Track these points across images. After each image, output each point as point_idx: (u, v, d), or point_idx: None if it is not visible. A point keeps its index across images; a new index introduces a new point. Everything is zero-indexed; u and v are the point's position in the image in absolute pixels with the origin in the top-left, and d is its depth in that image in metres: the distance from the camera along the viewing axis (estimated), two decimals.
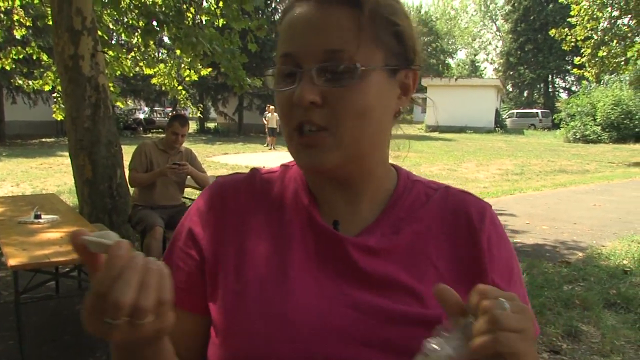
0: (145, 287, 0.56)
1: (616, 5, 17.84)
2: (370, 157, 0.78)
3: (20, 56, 8.76)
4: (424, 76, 40.48)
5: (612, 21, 18.45)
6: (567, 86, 51.59)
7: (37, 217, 3.85)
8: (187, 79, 10.14)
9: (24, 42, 10.98)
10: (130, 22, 8.37)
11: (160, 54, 12.55)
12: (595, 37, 18.10)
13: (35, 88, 9.40)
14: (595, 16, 17.65)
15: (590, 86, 28.51)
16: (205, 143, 23.38)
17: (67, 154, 6.32)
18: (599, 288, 4.84)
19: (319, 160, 0.72)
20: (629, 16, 17.87)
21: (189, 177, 4.93)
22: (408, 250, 0.77)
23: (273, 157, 16.80)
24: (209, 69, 9.68)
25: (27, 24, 9.20)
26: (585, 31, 17.87)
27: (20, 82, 9.62)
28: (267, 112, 21.45)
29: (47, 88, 9.25)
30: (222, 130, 31.58)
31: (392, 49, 0.73)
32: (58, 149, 18.83)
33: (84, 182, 6.08)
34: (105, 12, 8.02)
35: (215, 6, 8.00)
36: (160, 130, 27.60)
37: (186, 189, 5.27)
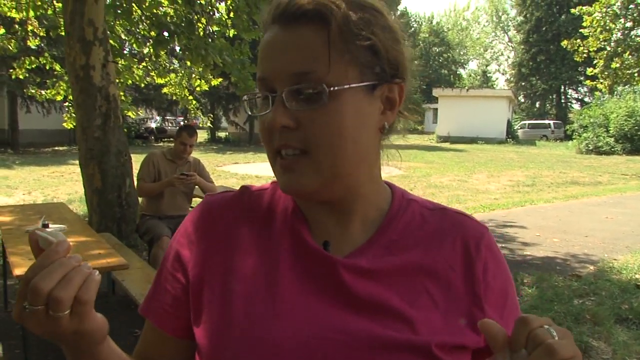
0: (66, 281, 0.60)
1: (629, 17, 17.74)
2: (355, 177, 0.75)
3: (34, 66, 8.87)
4: (435, 86, 40.54)
5: (626, 32, 18.32)
6: (579, 97, 51.35)
7: (45, 226, 3.85)
8: (198, 88, 10.21)
9: (37, 52, 11.12)
10: (142, 32, 8.45)
11: (172, 64, 12.65)
12: (608, 49, 18.00)
13: (48, 97, 9.50)
14: (608, 27, 17.56)
15: (604, 97, 28.29)
16: (216, 152, 23.48)
17: (78, 162, 6.37)
18: (611, 303, 4.76)
19: (298, 184, 0.71)
20: None
21: (196, 187, 4.94)
22: (401, 273, 0.75)
23: None
24: (220, 79, 9.74)
25: (41, 34, 9.33)
26: (598, 42, 17.78)
27: (33, 91, 9.73)
28: None
29: (59, 98, 9.35)
30: (233, 139, 31.75)
31: (368, 64, 0.70)
32: (70, 157, 18.97)
33: (93, 191, 6.12)
34: (118, 22, 8.11)
35: (226, 17, 8.06)
36: (171, 139, 27.74)
37: (194, 199, 5.27)
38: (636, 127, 25.91)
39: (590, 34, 17.88)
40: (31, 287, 0.59)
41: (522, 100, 50.51)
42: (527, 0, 46.84)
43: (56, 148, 23.89)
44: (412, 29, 51.70)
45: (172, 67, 11.02)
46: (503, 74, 64.32)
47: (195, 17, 7.89)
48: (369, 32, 0.69)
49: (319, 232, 0.78)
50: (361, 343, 0.69)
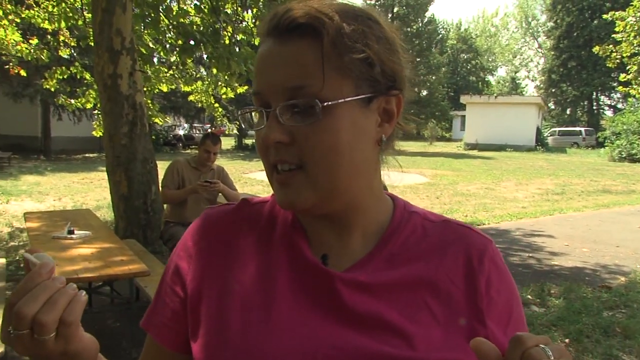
0: (50, 304, 0.60)
1: None
2: (353, 191, 0.73)
3: (65, 76, 9.07)
4: (463, 93, 40.22)
5: None
6: (612, 104, 50.25)
7: (70, 232, 3.93)
8: (224, 96, 10.30)
9: (69, 62, 11.39)
10: (169, 41, 8.58)
11: (199, 72, 12.80)
12: None
13: (77, 106, 9.71)
14: None
15: (637, 103, 27.63)
16: (243, 159, 23.65)
17: (106, 169, 6.49)
18: None
19: (294, 199, 0.70)
20: None
21: (220, 194, 4.97)
22: (401, 287, 0.72)
23: None
24: (246, 87, 9.81)
25: (72, 44, 9.56)
26: (632, 48, 17.37)
27: (63, 100, 9.97)
28: None
29: (88, 106, 9.55)
30: None
31: (363, 77, 0.69)
32: (100, 164, 19.33)
33: (119, 198, 6.21)
34: (146, 31, 8.25)
35: (252, 25, 8.13)
36: None
37: None
38: None
39: (624, 39, 17.48)
40: (15, 311, 0.59)
41: (552, 107, 49.71)
42: (557, 5, 46.20)
43: (86, 155, 24.40)
44: (440, 35, 51.33)
45: (198, 75, 11.16)
46: (533, 80, 63.58)
47: (223, 25, 7.98)
48: (363, 44, 0.68)
49: (318, 245, 0.77)
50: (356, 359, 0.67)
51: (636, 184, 15.96)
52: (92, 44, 6.49)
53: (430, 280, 0.73)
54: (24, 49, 8.99)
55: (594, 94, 47.91)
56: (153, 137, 25.98)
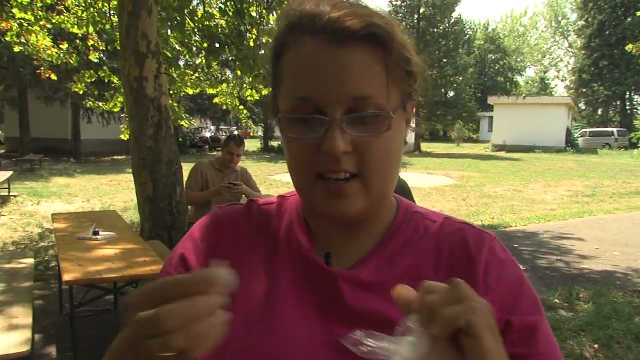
0: (201, 336, 0.49)
1: None
2: (389, 197, 0.77)
3: (93, 79, 9.24)
4: (491, 94, 39.71)
5: None
6: None
7: (95, 233, 3.99)
8: (250, 98, 10.36)
9: (97, 66, 11.60)
10: (195, 43, 8.66)
11: (224, 74, 12.90)
12: None
13: (105, 109, 9.88)
14: None
15: None
16: (268, 161, 23.77)
17: (131, 171, 6.59)
18: None
19: (347, 208, 0.70)
20: None
21: (243, 196, 4.99)
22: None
23: None
24: (270, 89, 9.84)
25: (101, 48, 9.74)
26: None
27: (91, 103, 10.16)
28: None
29: (116, 109, 9.70)
30: None
31: (405, 85, 0.71)
32: (127, 166, 19.64)
33: (145, 199, 6.28)
34: (172, 35, 8.35)
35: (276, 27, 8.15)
36: None
37: None
38: None
39: None
40: (155, 317, 0.47)
41: (583, 107, 48.70)
42: (589, 3, 45.25)
43: (115, 157, 24.84)
44: (467, 36, 50.77)
45: (224, 77, 11.24)
46: (562, 80, 62.35)
47: (248, 27, 8.02)
48: (410, 54, 0.71)
49: (324, 243, 0.77)
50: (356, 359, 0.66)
51: None
52: (119, 47, 6.58)
53: (429, 276, 0.73)
54: (54, 53, 9.18)
55: (627, 93, 46.75)
56: (180, 139, 26.32)
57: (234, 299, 0.73)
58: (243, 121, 11.80)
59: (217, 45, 7.60)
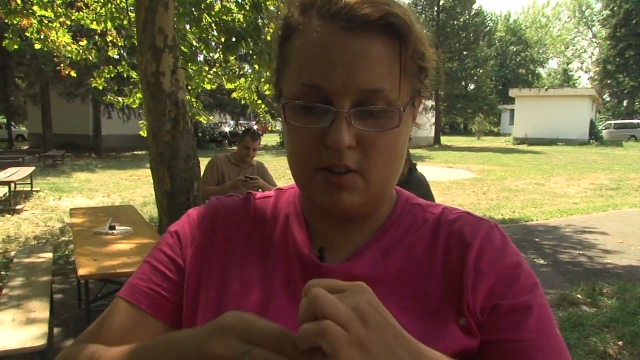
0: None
1: None
2: (390, 191, 0.75)
3: (112, 75, 9.31)
4: (512, 87, 39.18)
5: None
6: None
7: (112, 228, 4.00)
8: (267, 92, 10.34)
9: (117, 61, 11.68)
10: (212, 38, 8.66)
11: (242, 69, 12.90)
12: None
13: (125, 104, 9.97)
14: None
15: None
16: None
17: (149, 166, 6.63)
18: None
19: (346, 202, 0.67)
20: None
21: (259, 190, 4.97)
22: (396, 278, 0.70)
23: None
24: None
25: (120, 44, 9.80)
26: None
27: (111, 98, 10.26)
28: None
29: (135, 105, 9.76)
30: None
31: (416, 81, 0.68)
32: (147, 161, 19.69)
33: (163, 194, 6.29)
34: (189, 30, 8.36)
35: None
36: None
37: None
38: None
39: None
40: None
41: (608, 99, 47.79)
42: None
43: (135, 152, 25.09)
44: (488, 28, 50.06)
45: (241, 72, 11.23)
46: (586, 71, 61.34)
47: (265, 21, 7.99)
48: (425, 49, 0.68)
49: (320, 237, 0.75)
50: None
51: None
52: (136, 43, 6.60)
53: (427, 268, 0.70)
54: (74, 49, 9.26)
55: None
56: (199, 134, 26.45)
57: (228, 292, 0.71)
58: (261, 116, 11.80)
59: (234, 39, 7.59)
